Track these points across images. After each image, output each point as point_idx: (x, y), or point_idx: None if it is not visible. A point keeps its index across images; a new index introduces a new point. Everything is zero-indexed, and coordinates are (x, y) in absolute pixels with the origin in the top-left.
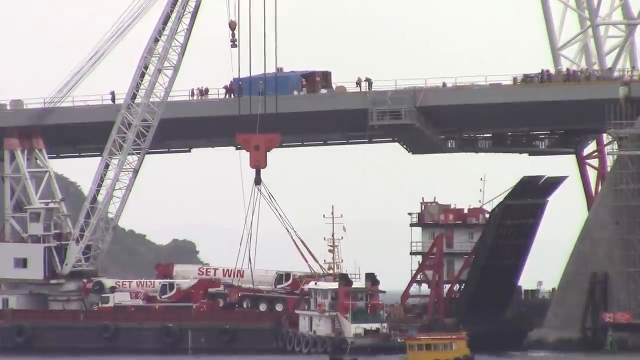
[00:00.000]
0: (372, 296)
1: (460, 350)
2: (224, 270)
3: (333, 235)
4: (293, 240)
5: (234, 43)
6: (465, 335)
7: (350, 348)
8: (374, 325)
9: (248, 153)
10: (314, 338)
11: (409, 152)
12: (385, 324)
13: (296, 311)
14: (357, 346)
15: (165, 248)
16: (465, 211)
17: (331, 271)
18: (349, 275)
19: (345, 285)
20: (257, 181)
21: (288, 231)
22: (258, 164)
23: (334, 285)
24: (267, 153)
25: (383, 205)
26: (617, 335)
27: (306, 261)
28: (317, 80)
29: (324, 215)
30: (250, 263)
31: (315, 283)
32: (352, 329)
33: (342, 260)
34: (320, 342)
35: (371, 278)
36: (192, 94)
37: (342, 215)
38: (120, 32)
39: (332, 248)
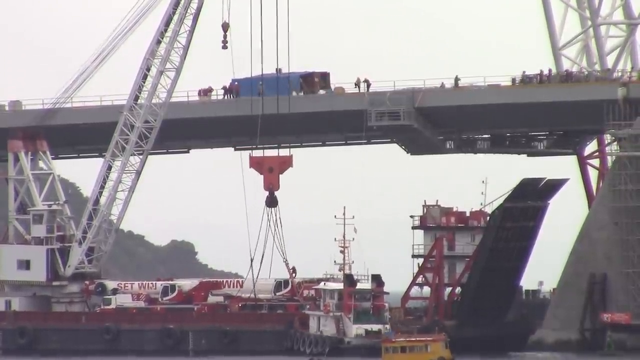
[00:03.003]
0: (376, 297)
1: (437, 352)
2: (224, 281)
3: (344, 236)
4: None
5: (224, 44)
6: (445, 337)
7: (348, 348)
8: (375, 327)
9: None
10: (317, 338)
11: (407, 153)
12: (387, 326)
13: (306, 312)
14: (354, 346)
15: (164, 249)
16: (467, 214)
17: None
18: (355, 276)
19: (350, 286)
20: (272, 204)
21: (284, 260)
22: (272, 186)
23: (340, 285)
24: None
25: (383, 206)
26: (615, 336)
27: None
28: (315, 81)
29: (335, 216)
30: (253, 274)
31: (324, 283)
32: (354, 329)
33: (352, 262)
34: (321, 342)
35: (377, 279)
36: (200, 94)
37: (353, 217)
38: (124, 34)
39: (342, 249)
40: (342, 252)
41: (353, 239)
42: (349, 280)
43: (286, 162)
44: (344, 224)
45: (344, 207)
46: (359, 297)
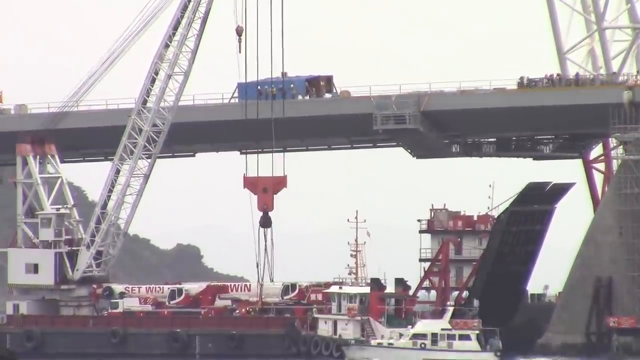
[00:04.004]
0: (406, 301)
1: None
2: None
3: (357, 240)
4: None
5: (240, 49)
6: None
7: None
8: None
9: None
10: (337, 341)
11: (413, 156)
12: None
13: (316, 315)
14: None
15: (170, 253)
16: (475, 218)
17: None
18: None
19: (378, 290)
20: (266, 224)
21: (271, 280)
22: (266, 207)
23: (365, 289)
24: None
25: (388, 209)
26: (621, 340)
27: None
28: (321, 85)
29: (348, 220)
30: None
31: (340, 287)
32: (388, 333)
33: (364, 265)
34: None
35: (402, 283)
36: None
37: (365, 220)
38: (132, 38)
39: (354, 253)
40: (354, 255)
41: (365, 242)
42: (377, 284)
43: (281, 183)
44: (357, 228)
45: (357, 211)
46: (389, 301)
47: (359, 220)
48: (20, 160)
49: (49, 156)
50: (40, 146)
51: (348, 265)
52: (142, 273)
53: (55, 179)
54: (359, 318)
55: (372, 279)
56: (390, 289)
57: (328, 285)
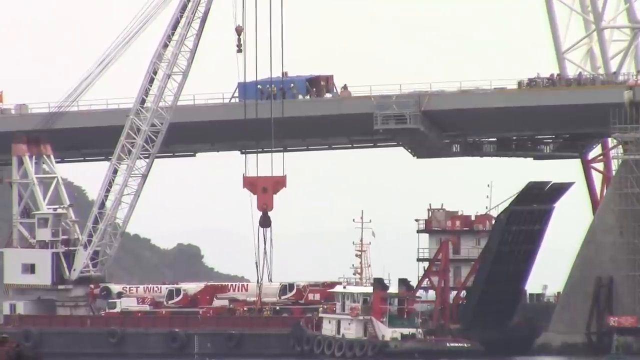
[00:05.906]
0: (407, 301)
1: None
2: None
3: (362, 240)
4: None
5: (239, 48)
6: None
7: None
8: (410, 330)
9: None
10: (339, 341)
11: (413, 156)
12: (420, 329)
13: (320, 315)
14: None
15: (170, 252)
16: (473, 218)
17: None
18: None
19: (381, 290)
20: (266, 224)
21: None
22: (266, 206)
23: (368, 289)
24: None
25: (388, 209)
26: (621, 339)
27: None
28: (322, 84)
29: (353, 220)
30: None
31: (344, 287)
32: (390, 333)
33: (369, 265)
34: (347, 345)
35: (405, 283)
36: None
37: (370, 221)
38: (130, 38)
39: (359, 253)
40: (359, 255)
41: (370, 242)
42: (380, 284)
43: (280, 183)
44: (362, 228)
45: (362, 211)
46: (391, 301)
47: (364, 220)
48: (16, 160)
49: (44, 156)
50: (36, 146)
51: (353, 265)
52: (143, 273)
53: (51, 178)
54: (361, 318)
55: (375, 279)
56: (393, 289)
57: (326, 285)
